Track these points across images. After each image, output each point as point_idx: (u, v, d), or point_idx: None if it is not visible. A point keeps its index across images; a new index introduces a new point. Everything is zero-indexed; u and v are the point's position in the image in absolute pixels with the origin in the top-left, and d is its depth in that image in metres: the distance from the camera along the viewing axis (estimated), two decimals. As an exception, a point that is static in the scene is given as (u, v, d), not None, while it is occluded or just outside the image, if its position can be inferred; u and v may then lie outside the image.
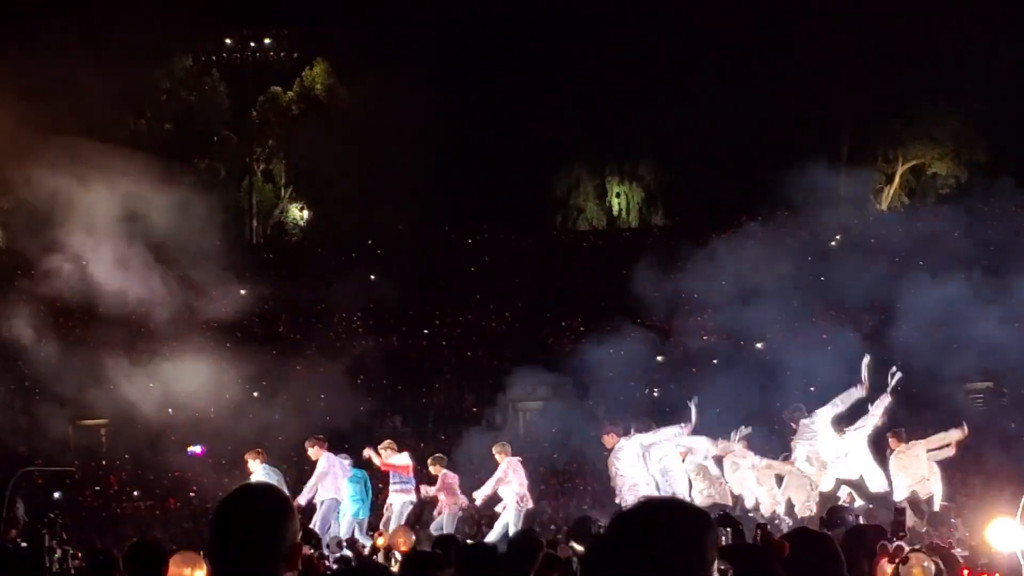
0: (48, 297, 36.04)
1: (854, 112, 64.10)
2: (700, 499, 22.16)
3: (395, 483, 23.33)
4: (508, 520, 22.71)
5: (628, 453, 21.78)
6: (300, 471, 23.84)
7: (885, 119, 63.85)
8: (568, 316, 36.28)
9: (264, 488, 4.29)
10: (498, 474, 22.99)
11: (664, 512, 3.43)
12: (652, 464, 22.00)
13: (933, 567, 8.73)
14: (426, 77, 58.89)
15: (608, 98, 63.07)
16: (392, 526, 21.79)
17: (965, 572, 10.73)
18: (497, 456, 23.30)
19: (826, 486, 22.25)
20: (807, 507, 22.52)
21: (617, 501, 21.77)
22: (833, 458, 22.15)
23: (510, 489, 22.79)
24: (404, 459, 23.43)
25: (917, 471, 23.39)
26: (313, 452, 23.30)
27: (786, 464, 23.45)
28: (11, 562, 8.05)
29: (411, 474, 23.44)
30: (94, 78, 46.60)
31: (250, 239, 63.95)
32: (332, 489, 22.78)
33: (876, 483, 22.21)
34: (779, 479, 23.79)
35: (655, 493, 21.57)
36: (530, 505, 23.74)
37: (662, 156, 65.35)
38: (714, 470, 23.07)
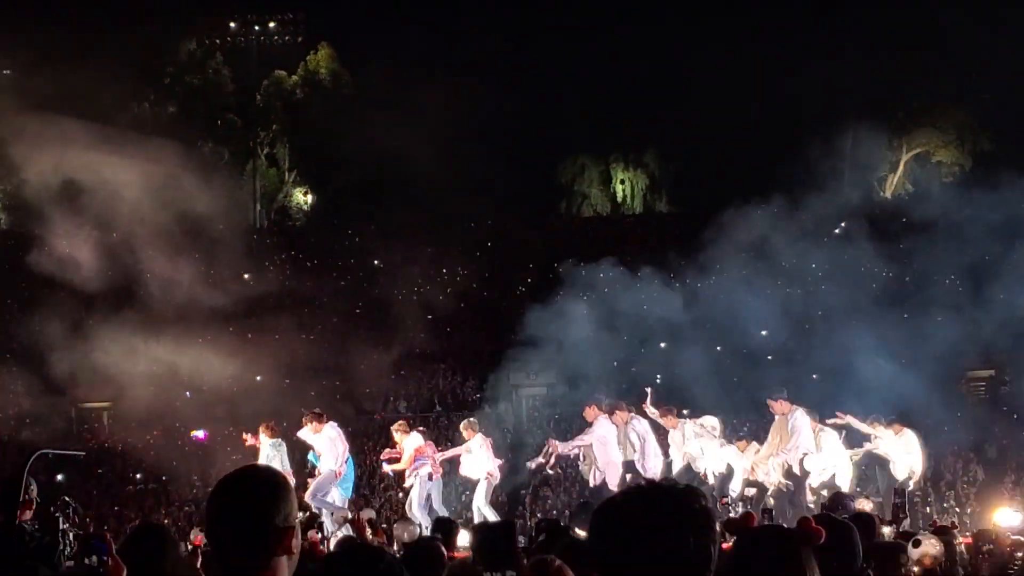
0: (52, 279, 36.04)
1: (859, 100, 64.14)
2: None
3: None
4: (479, 495, 22.70)
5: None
6: (304, 455, 23.67)
7: (890, 108, 63.94)
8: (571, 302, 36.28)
9: (259, 470, 4.24)
10: (463, 448, 22.97)
11: (680, 497, 3.46)
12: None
13: (941, 547, 8.81)
14: (430, 62, 58.99)
15: (613, 87, 63.25)
16: (414, 506, 21.80)
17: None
18: (465, 433, 23.22)
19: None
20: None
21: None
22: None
23: (480, 465, 22.74)
24: (417, 440, 23.24)
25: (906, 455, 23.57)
26: (312, 427, 23.01)
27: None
28: (30, 543, 8.06)
29: (424, 453, 23.24)
30: (99, 61, 46.65)
31: (254, 223, 63.90)
32: (333, 460, 22.56)
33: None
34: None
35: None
36: (498, 479, 23.62)
37: (666, 144, 65.44)
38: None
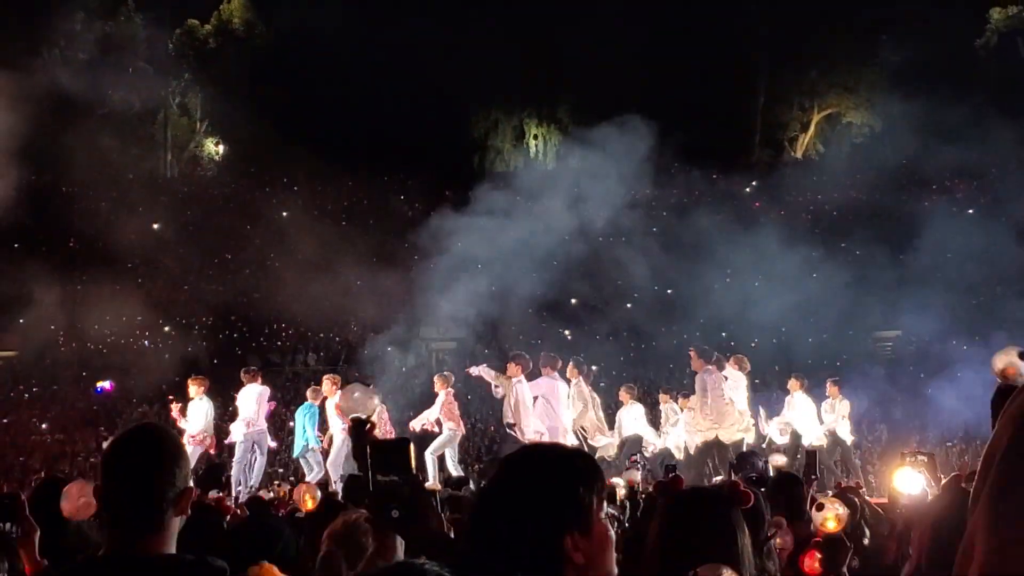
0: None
1: (770, 60, 64.56)
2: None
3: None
4: (450, 448, 22.86)
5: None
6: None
7: (800, 68, 64.36)
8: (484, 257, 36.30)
9: (157, 429, 4.27)
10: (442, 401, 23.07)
11: (538, 458, 3.49)
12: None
13: (845, 512, 8.87)
14: (343, 14, 58.58)
15: (526, 40, 62.95)
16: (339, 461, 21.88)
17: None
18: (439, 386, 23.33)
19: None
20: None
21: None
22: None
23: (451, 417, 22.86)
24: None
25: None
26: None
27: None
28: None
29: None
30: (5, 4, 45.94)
31: (164, 173, 63.32)
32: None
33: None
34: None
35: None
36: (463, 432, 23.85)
37: (580, 99, 65.38)
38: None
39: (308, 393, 24.10)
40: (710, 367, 21.73)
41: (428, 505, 4.30)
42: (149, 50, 61.45)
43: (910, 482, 10.27)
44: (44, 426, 34.18)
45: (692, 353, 22.23)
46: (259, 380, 23.56)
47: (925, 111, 45.04)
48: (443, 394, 23.05)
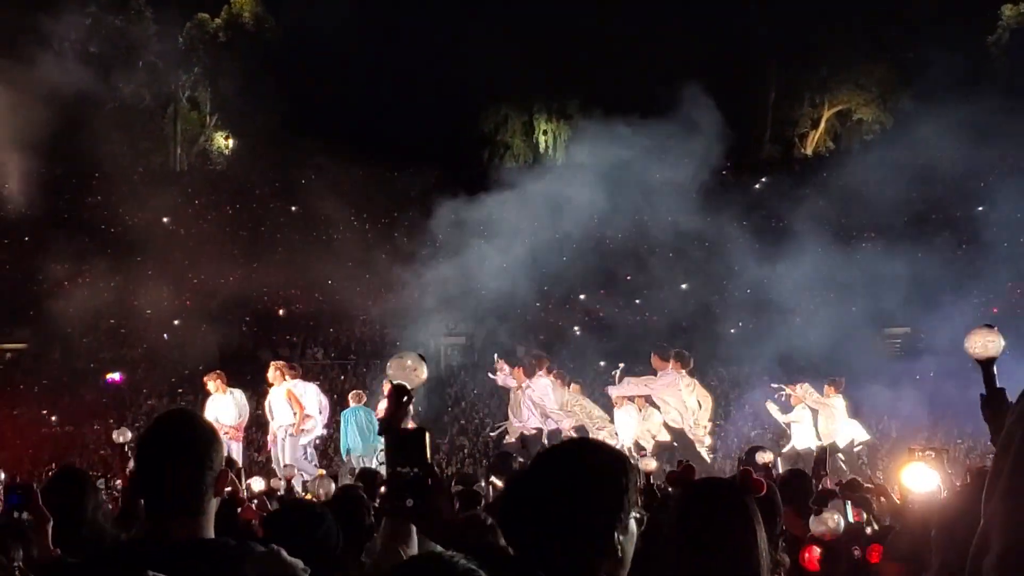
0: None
1: (781, 57, 64.42)
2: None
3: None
4: None
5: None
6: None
7: (812, 64, 64.24)
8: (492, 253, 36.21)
9: (194, 414, 4.29)
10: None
11: (584, 452, 3.47)
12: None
13: (841, 521, 8.83)
14: (353, 8, 58.60)
15: (536, 36, 62.91)
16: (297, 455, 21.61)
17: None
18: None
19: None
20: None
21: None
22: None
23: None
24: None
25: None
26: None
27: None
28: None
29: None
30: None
31: (174, 166, 63.38)
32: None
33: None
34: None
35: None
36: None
37: (589, 95, 65.35)
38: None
39: (352, 397, 23.70)
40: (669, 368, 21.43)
41: (442, 495, 4.32)
42: (159, 44, 61.48)
43: (922, 479, 10.22)
44: (54, 418, 34.23)
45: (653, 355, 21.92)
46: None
47: (936, 108, 44.88)
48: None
